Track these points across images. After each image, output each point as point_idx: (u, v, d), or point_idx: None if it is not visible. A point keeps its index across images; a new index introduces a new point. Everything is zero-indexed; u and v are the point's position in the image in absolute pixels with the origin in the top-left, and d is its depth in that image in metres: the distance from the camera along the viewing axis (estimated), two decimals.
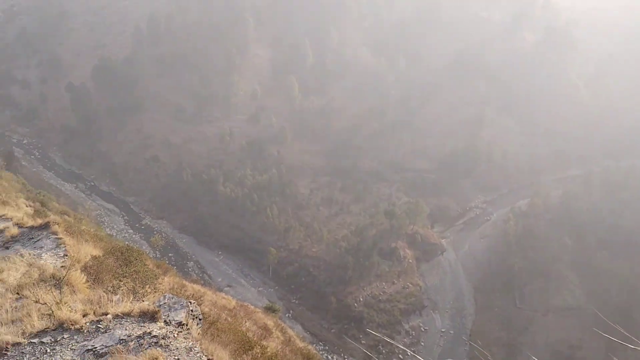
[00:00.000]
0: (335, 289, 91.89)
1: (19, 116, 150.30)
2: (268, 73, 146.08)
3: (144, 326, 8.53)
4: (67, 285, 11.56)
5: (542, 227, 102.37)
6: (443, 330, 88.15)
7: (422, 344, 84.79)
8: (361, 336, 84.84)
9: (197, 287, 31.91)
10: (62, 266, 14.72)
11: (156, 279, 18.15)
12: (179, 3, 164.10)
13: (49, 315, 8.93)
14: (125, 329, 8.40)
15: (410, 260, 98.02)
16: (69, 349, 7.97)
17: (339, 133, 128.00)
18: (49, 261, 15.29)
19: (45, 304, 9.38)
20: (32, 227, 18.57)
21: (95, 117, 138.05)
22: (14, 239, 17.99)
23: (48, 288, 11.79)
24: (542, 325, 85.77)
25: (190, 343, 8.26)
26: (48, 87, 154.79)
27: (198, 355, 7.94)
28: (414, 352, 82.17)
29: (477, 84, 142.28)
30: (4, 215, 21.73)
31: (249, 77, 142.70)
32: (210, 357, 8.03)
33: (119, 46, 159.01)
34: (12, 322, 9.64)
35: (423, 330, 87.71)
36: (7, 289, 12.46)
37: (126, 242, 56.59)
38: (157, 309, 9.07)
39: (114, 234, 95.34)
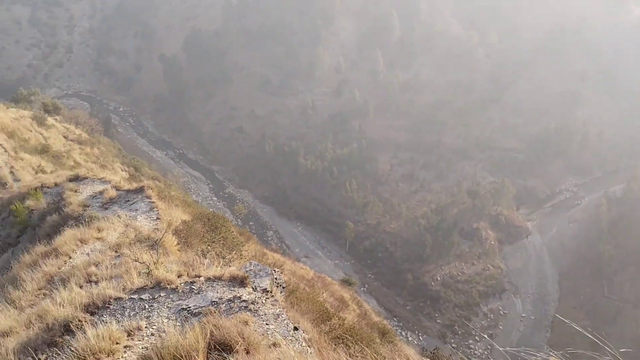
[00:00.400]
0: (412, 266, 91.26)
1: (116, 85, 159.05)
2: (353, 46, 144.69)
3: (234, 290, 8.74)
4: (160, 246, 12.10)
5: (638, 213, 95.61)
6: (523, 315, 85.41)
7: (501, 327, 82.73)
8: (437, 315, 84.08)
9: (277, 256, 32.65)
10: (155, 228, 15.47)
11: (242, 246, 18.76)
12: None
13: (147, 273, 9.38)
14: (217, 292, 8.64)
15: (492, 242, 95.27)
16: (165, 307, 8.31)
17: (424, 108, 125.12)
18: (144, 223, 16.11)
19: (144, 263, 9.88)
20: (128, 191, 19.65)
21: (185, 88, 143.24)
22: (112, 201, 19.13)
23: (144, 248, 12.42)
24: (632, 317, 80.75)
25: (278, 310, 8.37)
26: (142, 58, 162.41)
27: (285, 322, 8.02)
28: (491, 335, 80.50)
29: (574, 60, 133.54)
30: (103, 177, 23.19)
31: (334, 49, 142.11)
32: (296, 325, 8.09)
33: (209, 18, 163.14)
34: (112, 277, 10.23)
35: (502, 314, 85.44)
36: (107, 247, 13.29)
37: (211, 209, 58.89)
38: (246, 275, 9.27)
39: (200, 201, 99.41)
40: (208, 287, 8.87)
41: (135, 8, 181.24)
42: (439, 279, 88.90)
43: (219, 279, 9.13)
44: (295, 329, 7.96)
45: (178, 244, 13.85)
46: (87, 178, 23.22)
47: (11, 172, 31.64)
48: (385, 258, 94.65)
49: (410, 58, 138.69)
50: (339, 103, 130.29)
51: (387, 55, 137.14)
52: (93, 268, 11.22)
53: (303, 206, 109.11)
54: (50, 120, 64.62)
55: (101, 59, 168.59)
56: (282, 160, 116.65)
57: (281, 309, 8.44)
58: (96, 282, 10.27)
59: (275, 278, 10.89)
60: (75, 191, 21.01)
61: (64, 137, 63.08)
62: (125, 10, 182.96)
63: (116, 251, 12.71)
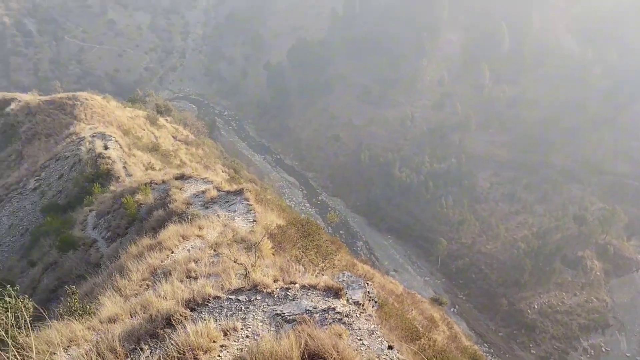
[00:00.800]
0: (507, 290, 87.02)
1: (224, 90, 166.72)
2: (458, 59, 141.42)
3: (328, 301, 8.61)
4: (257, 249, 12.24)
5: None
6: (628, 355, 78.48)
7: None
8: (531, 345, 79.43)
9: (366, 267, 32.29)
10: (251, 230, 15.76)
11: (335, 255, 18.66)
12: None
13: (244, 275, 9.50)
14: (311, 301, 8.56)
15: (597, 273, 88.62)
16: (260, 310, 8.35)
17: (530, 126, 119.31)
18: (241, 224, 16.49)
19: (242, 264, 10.03)
20: (228, 192, 20.28)
21: (287, 95, 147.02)
22: (213, 201, 19.83)
23: (241, 249, 12.64)
24: None
25: (372, 326, 8.11)
26: (249, 65, 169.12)
27: (379, 339, 7.75)
28: None
29: None
30: (206, 178, 24.16)
31: (438, 62, 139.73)
32: (391, 344, 7.78)
33: (315, 28, 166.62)
34: (210, 275, 10.48)
35: (604, 351, 79.03)
36: (207, 245, 13.69)
37: (303, 215, 59.56)
38: (341, 286, 9.11)
39: (293, 206, 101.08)
40: (303, 294, 8.81)
41: (246, 17, 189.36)
42: (536, 307, 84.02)
43: (313, 287, 9.04)
44: (390, 347, 7.66)
45: (272, 247, 13.99)
46: (191, 177, 24.30)
47: (124, 167, 33.90)
48: (478, 280, 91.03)
49: (519, 73, 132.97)
50: (439, 116, 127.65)
51: (494, 70, 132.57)
52: (193, 264, 11.57)
53: (395, 219, 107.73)
54: (161, 120, 68.78)
55: (211, 65, 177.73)
56: (377, 171, 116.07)
57: (376, 325, 8.20)
58: (195, 278, 10.57)
59: (368, 291, 10.67)
60: (180, 189, 22.01)
61: (173, 137, 66.88)
62: (236, 18, 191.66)
63: (215, 250, 13.04)
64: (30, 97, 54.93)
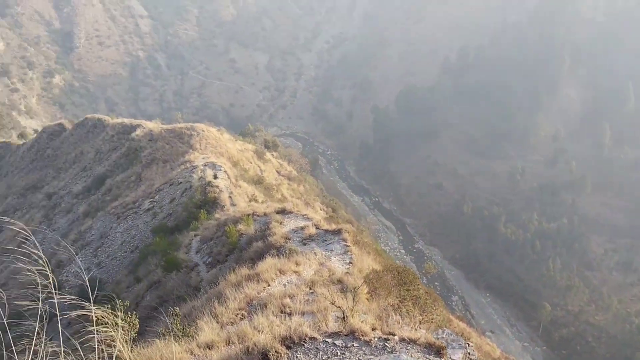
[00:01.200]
0: None
1: (328, 130, 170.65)
2: (576, 115, 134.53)
3: (429, 359, 8.03)
4: (355, 294, 11.90)
5: None
6: None
7: None
8: None
9: (462, 325, 30.65)
10: (346, 272, 15.45)
11: (434, 308, 17.75)
12: (492, 36, 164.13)
13: (342, 319, 9.17)
14: (411, 356, 8.01)
15: None
16: (356, 358, 7.96)
17: None
18: (337, 265, 16.23)
19: (339, 307, 9.71)
20: (326, 231, 20.14)
21: (391, 139, 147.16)
22: (311, 238, 19.77)
23: (336, 290, 12.35)
24: None
25: None
26: (356, 107, 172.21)
27: None
28: None
29: None
30: (306, 214, 24.26)
31: (554, 117, 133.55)
32: None
33: (425, 75, 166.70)
34: (304, 313, 10.27)
35: None
36: (302, 282, 13.56)
37: (397, 261, 58.24)
38: (443, 345, 8.50)
39: (387, 251, 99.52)
40: (402, 348, 8.29)
41: (357, 61, 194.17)
42: None
43: (413, 342, 8.49)
44: None
45: (367, 292, 13.57)
46: (291, 212, 24.53)
47: (230, 197, 35.13)
48: (584, 352, 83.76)
49: None
50: (551, 173, 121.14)
51: (616, 129, 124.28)
52: (288, 300, 11.45)
53: (495, 276, 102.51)
54: (268, 155, 71.38)
55: (320, 105, 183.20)
56: (480, 224, 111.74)
57: None
58: (289, 314, 10.41)
59: (469, 353, 9.93)
60: (280, 223, 22.25)
61: (277, 171, 69.00)
62: (348, 62, 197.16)
63: (310, 288, 12.86)
64: (154, 125, 59.55)
